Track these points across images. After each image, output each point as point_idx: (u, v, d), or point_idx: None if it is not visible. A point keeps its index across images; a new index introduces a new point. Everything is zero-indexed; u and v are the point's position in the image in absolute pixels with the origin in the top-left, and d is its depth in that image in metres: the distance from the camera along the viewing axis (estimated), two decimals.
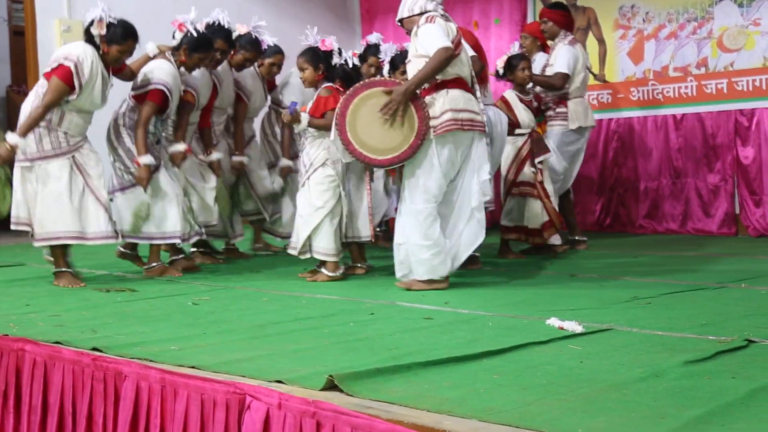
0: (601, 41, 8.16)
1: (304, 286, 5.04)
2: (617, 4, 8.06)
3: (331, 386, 2.69)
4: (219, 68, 6.18)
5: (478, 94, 4.99)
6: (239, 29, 6.35)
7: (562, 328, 3.60)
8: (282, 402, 2.53)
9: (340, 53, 5.43)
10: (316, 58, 5.34)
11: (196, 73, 5.86)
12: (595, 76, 7.62)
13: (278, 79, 6.98)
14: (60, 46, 7.80)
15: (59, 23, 8.05)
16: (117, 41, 5.18)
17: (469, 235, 4.91)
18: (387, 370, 2.88)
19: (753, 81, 7.28)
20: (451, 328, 3.73)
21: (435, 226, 4.81)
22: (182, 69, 5.70)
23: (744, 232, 7.46)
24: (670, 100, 7.77)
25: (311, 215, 5.22)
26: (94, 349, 3.30)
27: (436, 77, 4.78)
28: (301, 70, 5.40)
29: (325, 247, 5.23)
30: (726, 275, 5.17)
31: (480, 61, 5.52)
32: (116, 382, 3.03)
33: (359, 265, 5.54)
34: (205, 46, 5.70)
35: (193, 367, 3.00)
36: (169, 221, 5.48)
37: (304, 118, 5.23)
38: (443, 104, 4.78)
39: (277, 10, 9.75)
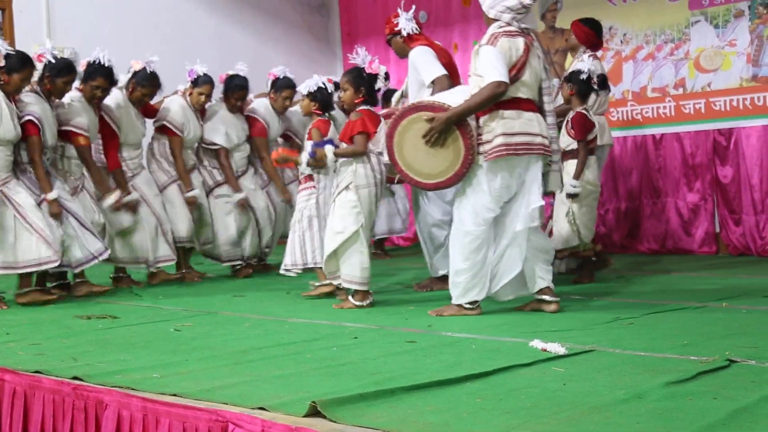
0: None
1: (287, 311, 5.02)
2: None
3: (314, 412, 2.68)
4: (113, 104, 6.21)
5: (550, 108, 4.75)
6: (134, 66, 6.36)
7: (545, 350, 3.61)
8: (265, 429, 2.52)
9: (387, 78, 5.28)
10: (359, 80, 5.20)
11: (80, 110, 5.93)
12: None
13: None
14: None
15: (38, 48, 8.03)
16: (16, 69, 5.45)
17: (509, 261, 4.69)
18: (370, 395, 2.87)
19: (731, 101, 7.35)
20: (434, 351, 3.73)
21: (480, 251, 4.63)
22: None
23: (725, 250, 7.51)
24: (649, 120, 7.84)
25: (330, 239, 5.10)
26: (75, 377, 3.27)
27: None
28: (342, 90, 5.28)
29: (347, 273, 5.09)
30: (707, 294, 5.20)
31: (450, 80, 5.50)
32: (97, 411, 3.01)
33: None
34: (67, 69, 5.75)
35: (174, 395, 2.98)
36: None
37: (329, 150, 5.08)
38: (496, 128, 4.56)
39: (256, 31, 9.78)
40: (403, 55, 5.77)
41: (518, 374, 3.23)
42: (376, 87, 5.24)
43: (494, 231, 4.69)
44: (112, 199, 6.04)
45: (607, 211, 8.07)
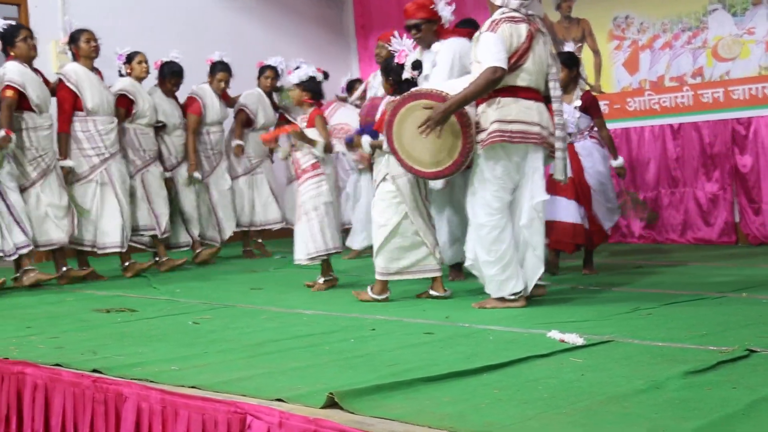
0: (596, 52, 8.19)
1: (304, 303, 5.03)
2: (611, 15, 8.09)
3: (331, 404, 2.69)
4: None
5: (557, 94, 4.66)
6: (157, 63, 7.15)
7: (563, 341, 3.60)
8: (283, 420, 2.53)
9: (416, 67, 5.08)
10: (387, 70, 5.15)
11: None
12: (590, 87, 7.63)
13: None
14: (56, 67, 7.88)
15: (55, 45, 8.07)
16: None
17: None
18: (387, 387, 2.87)
19: (749, 89, 7.29)
20: (451, 342, 3.73)
21: (501, 240, 4.57)
22: None
23: (744, 240, 7.46)
24: (666, 109, 7.79)
25: (376, 232, 5.08)
26: (95, 370, 3.29)
27: None
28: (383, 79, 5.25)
29: (379, 264, 5.04)
30: (726, 285, 5.17)
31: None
32: (117, 404, 3.03)
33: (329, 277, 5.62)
34: None
35: (193, 387, 2.99)
36: None
37: (365, 141, 5.06)
38: (492, 115, 4.52)
39: (271, 25, 9.79)
40: (427, 43, 5.46)
41: (535, 365, 3.23)
42: (403, 77, 5.07)
43: (513, 225, 4.65)
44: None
45: (625, 202, 8.04)
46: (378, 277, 5.04)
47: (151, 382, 3.09)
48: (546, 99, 4.69)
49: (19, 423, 3.37)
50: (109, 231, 6.45)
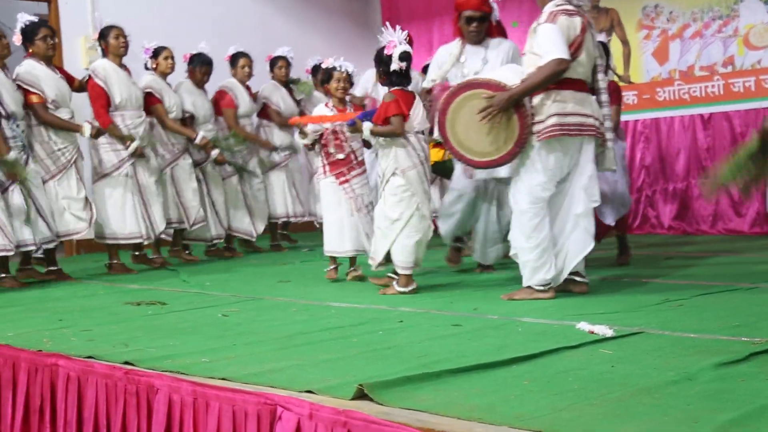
0: (625, 42, 8.12)
1: (332, 296, 5.05)
2: (640, 5, 8.02)
3: (361, 395, 2.69)
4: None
5: (604, 85, 4.73)
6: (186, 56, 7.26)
7: (592, 333, 3.58)
8: (313, 412, 2.54)
9: (403, 59, 5.01)
10: (377, 62, 5.14)
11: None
12: (619, 77, 7.57)
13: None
14: (85, 62, 7.96)
15: (84, 40, 8.15)
16: None
17: (576, 243, 4.62)
18: (416, 378, 2.87)
19: None
20: (480, 334, 3.72)
21: (541, 228, 4.57)
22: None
23: None
24: (696, 99, 7.71)
25: (389, 228, 5.04)
26: (126, 362, 3.33)
27: None
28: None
29: (399, 259, 5.05)
30: (758, 275, 5.11)
31: None
32: (149, 395, 3.05)
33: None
34: None
35: (224, 379, 3.01)
36: None
37: (366, 127, 5.04)
38: (550, 108, 4.51)
39: (297, 18, 9.81)
40: (479, 39, 5.38)
41: (565, 356, 3.21)
42: (391, 68, 5.02)
43: (553, 216, 4.64)
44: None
45: (654, 192, 7.98)
46: (401, 271, 5.04)
47: (182, 374, 3.11)
48: (591, 90, 4.70)
49: (53, 414, 3.41)
50: (131, 222, 6.53)
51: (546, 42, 4.47)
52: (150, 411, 3.03)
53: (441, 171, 6.14)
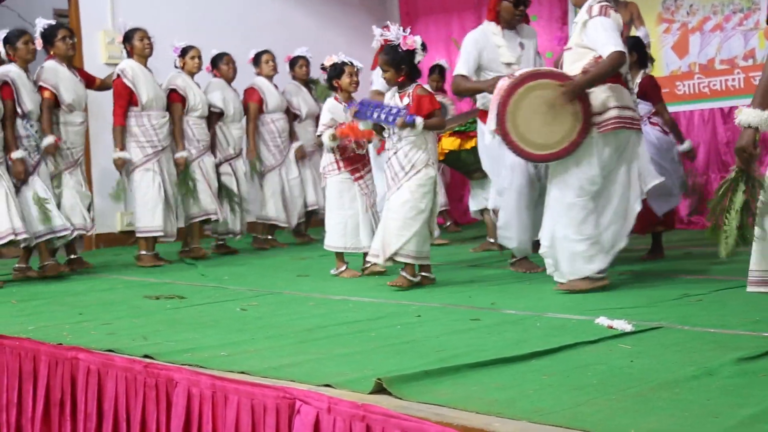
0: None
1: (351, 290, 5.05)
2: None
3: (379, 389, 2.70)
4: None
5: (630, 78, 4.81)
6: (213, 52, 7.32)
7: (611, 327, 3.57)
8: (331, 406, 2.54)
9: (424, 49, 5.05)
10: (397, 58, 5.02)
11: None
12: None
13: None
14: (104, 57, 8.01)
15: (104, 35, 8.18)
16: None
17: (611, 237, 4.66)
18: (435, 373, 2.88)
19: None
20: (498, 329, 3.71)
21: (589, 220, 4.57)
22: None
23: None
24: (717, 93, 7.66)
25: (414, 219, 4.99)
26: (146, 356, 3.34)
27: None
28: (383, 71, 5.14)
29: (416, 250, 5.01)
30: None
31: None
32: (168, 389, 3.06)
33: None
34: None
35: (242, 373, 3.02)
36: None
37: (419, 123, 4.91)
38: (608, 100, 4.53)
39: (317, 13, 9.80)
40: (514, 24, 5.36)
41: (584, 351, 3.20)
42: (416, 60, 5.02)
43: (599, 206, 4.63)
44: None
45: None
46: (412, 261, 5.03)
47: (201, 367, 3.13)
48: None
49: (73, 407, 3.43)
50: (156, 217, 6.62)
51: (603, 35, 4.46)
52: (169, 404, 3.05)
53: (454, 162, 6.08)
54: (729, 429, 2.24)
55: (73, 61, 6.45)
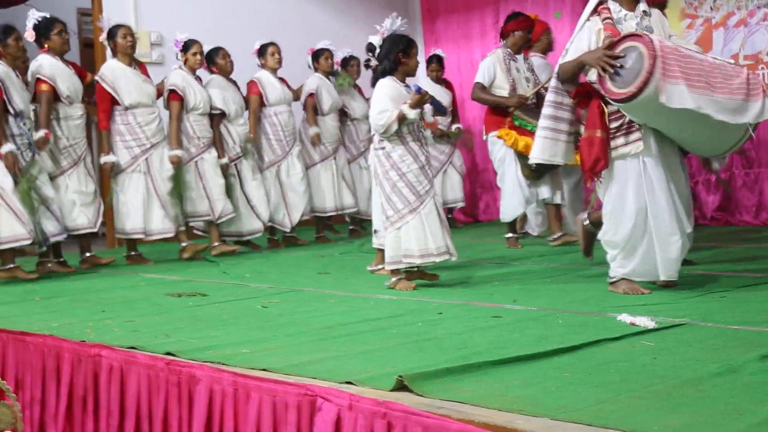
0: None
1: (372, 288, 5.05)
2: None
3: (401, 387, 2.69)
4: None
5: None
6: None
7: (633, 324, 3.54)
8: (353, 403, 2.55)
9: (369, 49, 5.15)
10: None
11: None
12: None
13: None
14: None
15: None
16: None
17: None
18: (457, 370, 2.87)
19: None
20: (520, 326, 3.70)
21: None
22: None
23: None
24: None
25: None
26: (168, 353, 3.36)
27: None
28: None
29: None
30: None
31: None
32: (190, 386, 3.08)
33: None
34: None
35: (264, 370, 3.03)
36: None
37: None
38: None
39: (337, 10, 9.80)
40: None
41: (607, 348, 3.19)
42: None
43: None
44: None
45: (697, 183, 7.86)
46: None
47: (223, 364, 3.14)
48: None
49: (95, 404, 3.46)
50: (153, 218, 6.62)
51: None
52: (191, 401, 3.07)
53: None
54: (753, 426, 2.22)
55: (64, 57, 6.37)
